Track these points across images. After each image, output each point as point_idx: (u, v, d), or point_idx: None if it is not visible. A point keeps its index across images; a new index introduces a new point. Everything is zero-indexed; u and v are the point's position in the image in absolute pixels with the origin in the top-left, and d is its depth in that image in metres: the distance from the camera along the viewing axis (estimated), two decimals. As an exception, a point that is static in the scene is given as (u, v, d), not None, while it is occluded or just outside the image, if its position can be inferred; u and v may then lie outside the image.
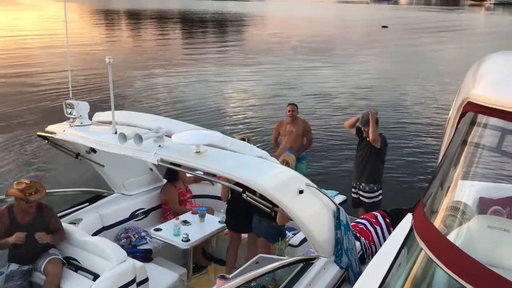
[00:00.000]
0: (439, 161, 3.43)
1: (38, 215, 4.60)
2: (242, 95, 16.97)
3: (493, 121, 2.57)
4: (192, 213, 5.83)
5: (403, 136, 11.84)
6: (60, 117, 4.80)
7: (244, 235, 5.58)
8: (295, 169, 4.79)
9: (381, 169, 6.71)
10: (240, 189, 3.72)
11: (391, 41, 33.84)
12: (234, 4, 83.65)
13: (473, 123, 2.69)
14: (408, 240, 3.04)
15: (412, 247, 2.82)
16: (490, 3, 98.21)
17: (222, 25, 48.22)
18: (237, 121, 13.28)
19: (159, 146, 3.91)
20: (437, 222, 3.05)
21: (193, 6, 76.93)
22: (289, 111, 7.60)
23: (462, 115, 2.75)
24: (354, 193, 6.90)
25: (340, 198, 6.70)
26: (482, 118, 2.54)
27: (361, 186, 6.75)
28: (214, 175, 4.33)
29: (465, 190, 3.90)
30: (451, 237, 3.07)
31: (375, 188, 6.69)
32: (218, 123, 12.72)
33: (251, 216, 5.23)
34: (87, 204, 5.65)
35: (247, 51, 27.70)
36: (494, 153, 3.54)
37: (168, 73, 20.17)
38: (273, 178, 3.85)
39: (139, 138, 3.76)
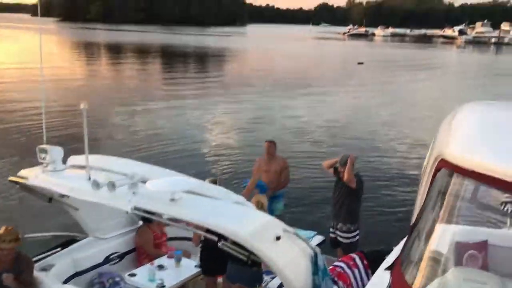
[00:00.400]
0: (416, 213, 3.46)
1: (14, 266, 4.45)
2: (220, 131, 17.00)
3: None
4: (167, 257, 5.73)
5: (379, 174, 11.92)
6: (33, 160, 4.72)
7: (220, 280, 5.47)
8: (272, 208, 4.78)
9: (357, 209, 6.74)
10: (215, 238, 3.66)
11: (367, 77, 34.61)
12: (215, 39, 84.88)
13: (448, 177, 2.73)
14: None
15: None
16: (461, 41, 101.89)
17: (202, 60, 48.70)
18: (214, 158, 13.23)
19: (133, 193, 3.85)
20: (415, 277, 3.05)
21: (173, 39, 77.72)
22: (268, 148, 7.58)
23: (437, 169, 2.79)
24: (331, 232, 6.90)
25: (318, 239, 6.69)
26: (457, 175, 2.58)
27: (338, 226, 6.76)
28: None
29: (442, 238, 3.93)
30: None
31: (352, 228, 6.70)
32: (194, 161, 12.63)
33: (226, 258, 5.13)
34: (60, 248, 5.50)
35: (226, 86, 27.95)
36: (470, 203, 3.60)
37: (146, 109, 20.11)
38: (249, 225, 3.80)
39: (112, 185, 3.70)
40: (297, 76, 34.09)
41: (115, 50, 55.90)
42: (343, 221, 6.69)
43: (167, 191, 3.74)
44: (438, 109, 22.01)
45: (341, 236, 6.77)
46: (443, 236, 3.96)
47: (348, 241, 6.73)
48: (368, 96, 25.67)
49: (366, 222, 7.71)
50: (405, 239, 4.49)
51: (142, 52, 53.93)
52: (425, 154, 3.80)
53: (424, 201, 3.17)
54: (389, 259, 4.21)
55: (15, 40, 61.02)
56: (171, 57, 49.08)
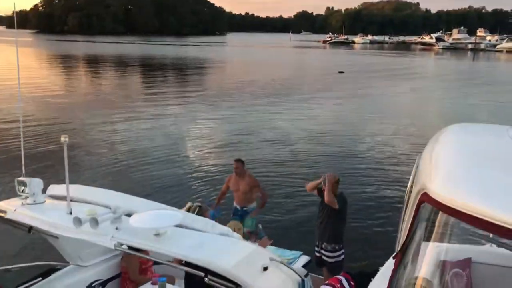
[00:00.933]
0: (402, 239, 3.44)
1: None
2: (199, 143, 16.89)
3: None
4: (151, 283, 5.60)
5: (363, 189, 11.92)
6: (11, 190, 4.59)
7: None
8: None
9: (342, 228, 6.72)
10: (202, 273, 3.59)
11: (348, 87, 34.83)
12: (194, 49, 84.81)
13: (431, 211, 2.71)
14: None
15: None
16: (439, 48, 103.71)
17: (182, 71, 48.50)
18: (196, 176, 13.03)
19: (116, 228, 3.76)
20: None
21: (152, 50, 77.46)
22: (235, 167, 7.65)
23: (420, 202, 2.77)
24: (317, 251, 6.88)
25: (304, 259, 6.65)
26: (441, 213, 2.56)
27: (323, 246, 6.74)
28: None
29: (427, 260, 3.93)
30: None
31: (336, 247, 6.68)
32: (177, 180, 12.48)
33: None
34: (40, 279, 5.33)
35: (206, 98, 27.88)
36: (454, 227, 3.60)
37: (126, 123, 19.90)
38: (235, 257, 3.74)
39: (95, 221, 3.61)
40: (278, 86, 34.24)
41: (94, 62, 55.38)
42: (327, 241, 6.67)
43: (151, 227, 3.66)
44: (421, 118, 22.34)
45: (326, 256, 6.74)
46: (428, 259, 3.97)
47: (333, 260, 6.71)
48: (350, 107, 25.83)
49: (351, 240, 7.71)
50: (389, 260, 4.49)
51: (121, 64, 53.57)
52: (409, 170, 3.79)
53: (409, 231, 3.16)
54: (375, 282, 4.19)
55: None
56: (150, 69, 48.77)
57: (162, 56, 66.12)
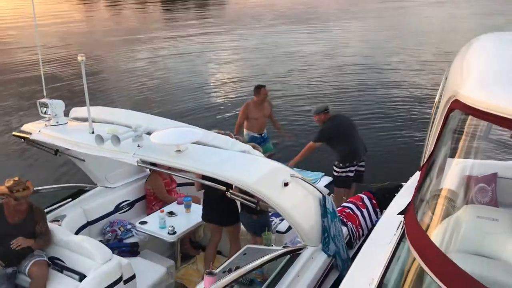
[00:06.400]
0: (428, 152, 3.41)
1: (29, 217, 4.51)
2: (222, 72, 16.67)
3: None
4: (177, 203, 5.77)
5: (387, 112, 11.77)
6: (36, 114, 4.66)
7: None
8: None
9: (339, 151, 6.77)
10: (223, 188, 3.64)
11: (376, 6, 33.23)
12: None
13: (461, 118, 2.66)
14: (404, 237, 3.03)
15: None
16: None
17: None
18: (218, 103, 12.97)
19: (138, 146, 3.81)
20: (429, 217, 3.05)
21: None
22: (263, 94, 7.49)
23: (450, 110, 2.70)
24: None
25: (326, 180, 6.73)
26: (471, 117, 2.51)
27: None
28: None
29: (453, 174, 3.92)
30: (441, 228, 3.07)
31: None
32: (198, 108, 12.42)
33: (229, 208, 5.11)
34: (70, 199, 5.54)
35: (228, 24, 27.18)
36: (482, 140, 3.54)
37: (146, 53, 19.67)
38: (256, 173, 3.78)
39: (116, 139, 3.65)
40: (304, 9, 32.89)
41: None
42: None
43: (172, 143, 3.69)
44: (451, 35, 21.30)
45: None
46: (455, 172, 3.95)
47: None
48: (377, 27, 24.84)
49: (374, 160, 7.72)
50: (414, 176, 4.48)
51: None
52: (436, 87, 3.69)
53: (437, 140, 3.11)
54: (399, 198, 4.21)
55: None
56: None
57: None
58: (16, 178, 4.40)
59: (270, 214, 5.41)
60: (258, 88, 7.52)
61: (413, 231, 2.63)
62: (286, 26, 26.11)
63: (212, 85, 15.00)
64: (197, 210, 5.63)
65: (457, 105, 2.53)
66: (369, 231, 4.73)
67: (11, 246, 4.36)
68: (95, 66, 16.11)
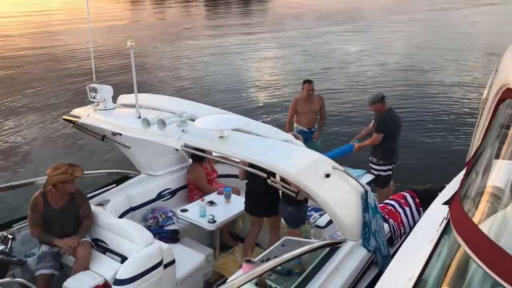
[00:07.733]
0: (475, 147, 3.29)
1: (72, 200, 4.66)
2: (266, 68, 16.76)
3: None
4: (218, 193, 5.82)
5: (433, 113, 11.50)
6: (85, 99, 4.80)
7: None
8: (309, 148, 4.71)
9: (387, 147, 6.55)
10: (265, 175, 3.64)
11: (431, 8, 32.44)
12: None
13: None
14: (447, 230, 2.94)
15: (451, 239, 2.72)
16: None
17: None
18: (260, 96, 13.07)
19: (183, 131, 3.86)
20: (475, 210, 2.95)
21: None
22: (308, 89, 7.45)
23: (501, 100, 2.58)
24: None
25: (368, 177, 6.61)
26: None
27: (370, 159, 6.75)
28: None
29: (502, 172, 3.76)
30: (487, 224, 2.96)
31: (381, 162, 6.62)
32: (242, 97, 12.56)
33: (272, 199, 5.11)
34: (114, 185, 5.68)
35: (271, 22, 27.26)
36: None
37: (191, 48, 20.04)
38: (298, 163, 3.75)
39: (162, 123, 3.72)
40: (350, 8, 32.55)
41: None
42: (372, 154, 6.70)
43: (216, 129, 3.72)
44: (495, 38, 20.62)
45: (372, 168, 6.71)
46: (502, 168, 3.79)
47: (376, 172, 6.67)
48: (422, 28, 24.31)
49: (418, 159, 7.54)
50: (459, 175, 4.33)
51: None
52: (482, 91, 3.57)
53: (485, 134, 2.99)
54: (443, 196, 4.10)
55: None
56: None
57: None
58: (62, 164, 4.55)
59: (309, 208, 5.38)
60: (303, 83, 7.55)
61: (459, 218, 2.54)
62: (337, 26, 25.89)
63: (258, 83, 15.08)
64: (236, 201, 5.67)
65: (509, 93, 2.41)
66: (411, 229, 4.62)
67: (60, 253, 4.54)
68: (141, 59, 16.48)
